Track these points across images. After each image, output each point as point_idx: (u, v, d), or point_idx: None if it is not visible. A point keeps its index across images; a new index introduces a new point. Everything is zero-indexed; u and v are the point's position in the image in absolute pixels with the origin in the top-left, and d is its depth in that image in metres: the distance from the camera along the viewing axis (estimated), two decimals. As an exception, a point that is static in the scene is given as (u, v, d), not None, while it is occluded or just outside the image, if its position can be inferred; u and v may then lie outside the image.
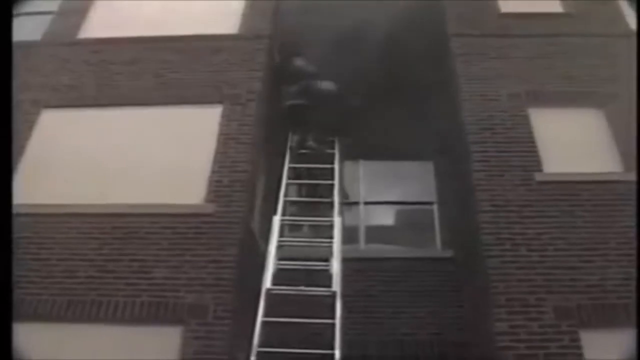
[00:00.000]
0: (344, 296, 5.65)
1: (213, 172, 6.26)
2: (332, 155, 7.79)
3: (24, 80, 7.02)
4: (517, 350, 5.13)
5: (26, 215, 5.75)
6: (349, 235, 7.35)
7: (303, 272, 6.07)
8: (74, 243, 5.81)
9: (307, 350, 5.01)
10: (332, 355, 5.06)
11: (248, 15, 7.95)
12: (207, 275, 5.53)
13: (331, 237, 6.41)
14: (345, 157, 8.01)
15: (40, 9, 8.57)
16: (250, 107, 6.85)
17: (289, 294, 5.71)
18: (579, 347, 5.10)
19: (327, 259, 6.14)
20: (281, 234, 6.57)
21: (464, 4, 7.95)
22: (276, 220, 6.62)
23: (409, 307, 6.75)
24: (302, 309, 5.48)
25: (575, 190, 6.06)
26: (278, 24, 8.05)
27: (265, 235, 6.50)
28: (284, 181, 7.31)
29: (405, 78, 7.98)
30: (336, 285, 5.71)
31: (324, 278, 5.89)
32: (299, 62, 8.11)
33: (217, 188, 6.14)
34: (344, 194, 7.69)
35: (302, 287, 5.77)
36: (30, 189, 6.11)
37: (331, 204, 7.05)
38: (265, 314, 5.47)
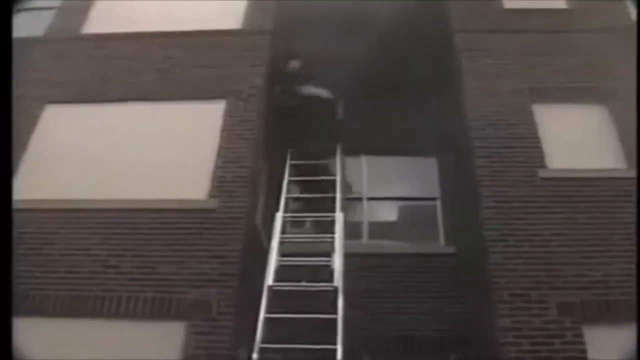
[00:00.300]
0: (346, 292, 5.64)
1: (216, 167, 6.26)
2: (334, 150, 7.78)
3: (26, 76, 7.05)
4: (520, 346, 5.13)
5: (30, 210, 5.77)
6: (352, 231, 7.35)
7: (305, 268, 6.05)
8: (77, 238, 5.82)
9: (309, 346, 5.00)
10: (334, 351, 5.05)
11: (250, 11, 7.94)
12: (210, 271, 5.52)
13: (333, 233, 6.40)
14: (347, 152, 8.00)
15: (42, 4, 8.58)
16: (252, 102, 6.85)
17: (291, 290, 5.70)
18: (583, 343, 5.10)
19: (329, 255, 6.14)
20: (283, 231, 6.57)
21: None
22: (278, 216, 6.63)
23: (412, 303, 6.76)
24: (304, 304, 5.48)
25: (578, 187, 6.05)
26: (279, 18, 8.02)
27: (268, 232, 6.50)
28: (286, 177, 7.31)
29: (409, 73, 7.94)
30: (338, 281, 5.71)
31: (326, 274, 5.88)
32: (294, 64, 8.08)
33: (220, 183, 6.13)
34: (346, 189, 7.67)
35: (304, 283, 5.77)
36: (33, 184, 6.13)
37: (333, 199, 7.05)
38: (268, 310, 5.46)
